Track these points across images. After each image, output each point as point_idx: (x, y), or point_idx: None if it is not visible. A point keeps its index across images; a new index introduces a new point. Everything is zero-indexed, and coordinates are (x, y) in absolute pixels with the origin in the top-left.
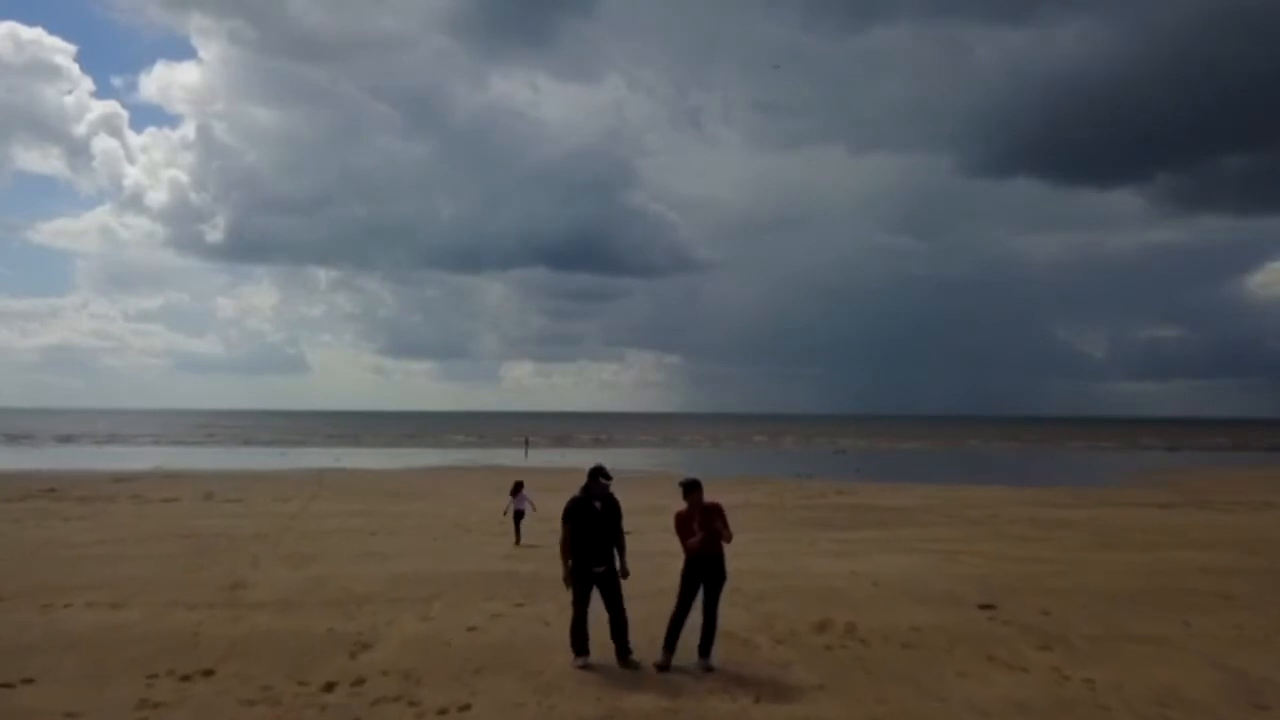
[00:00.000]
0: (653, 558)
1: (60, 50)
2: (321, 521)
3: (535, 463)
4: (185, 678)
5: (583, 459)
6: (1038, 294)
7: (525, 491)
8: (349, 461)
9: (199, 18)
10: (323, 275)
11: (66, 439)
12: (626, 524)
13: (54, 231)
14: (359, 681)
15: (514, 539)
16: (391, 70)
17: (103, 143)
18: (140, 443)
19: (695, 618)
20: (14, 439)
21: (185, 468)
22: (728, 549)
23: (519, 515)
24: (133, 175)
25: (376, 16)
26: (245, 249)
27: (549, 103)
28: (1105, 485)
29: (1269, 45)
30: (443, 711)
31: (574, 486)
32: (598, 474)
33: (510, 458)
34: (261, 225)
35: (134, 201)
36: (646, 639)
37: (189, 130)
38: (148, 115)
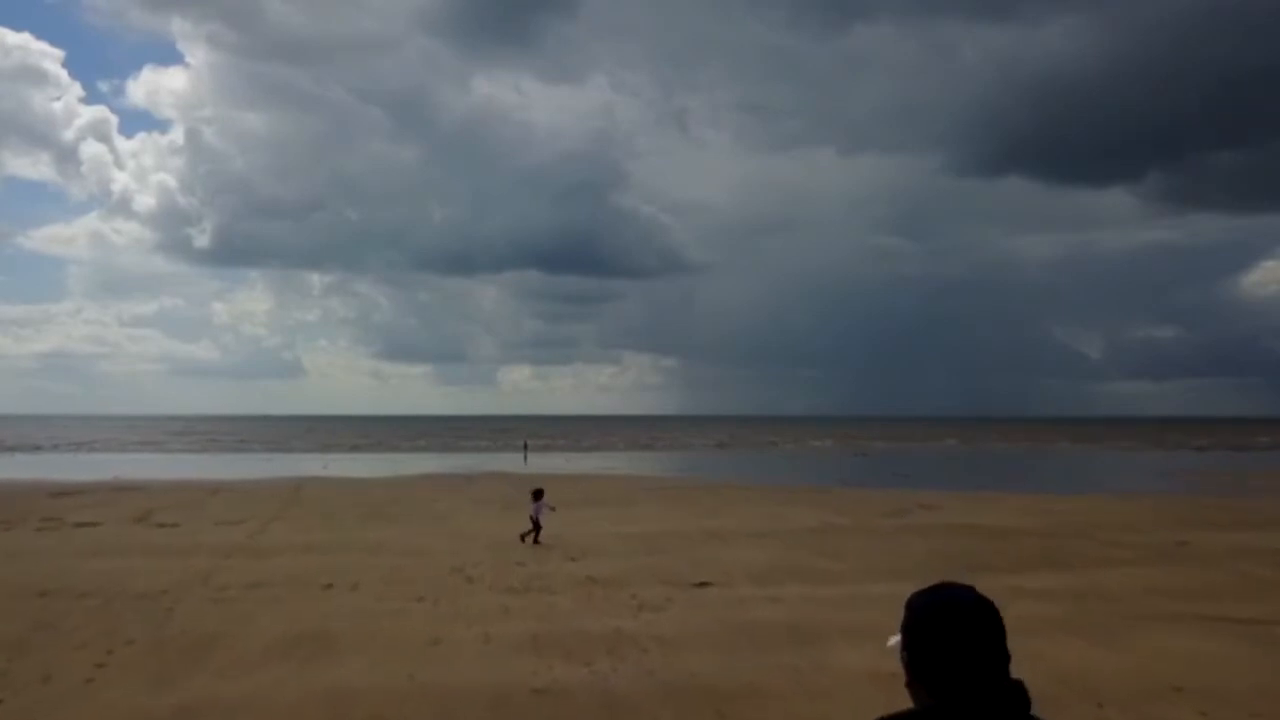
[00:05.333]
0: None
1: (48, 55)
2: (262, 563)
3: (536, 468)
4: None
5: (586, 465)
6: (1033, 294)
7: (545, 500)
8: (337, 468)
9: (179, 21)
10: (316, 280)
11: (37, 447)
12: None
13: (46, 237)
14: None
15: (532, 538)
16: (378, 73)
17: (92, 148)
18: (120, 449)
19: None
20: None
21: (148, 478)
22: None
23: (535, 520)
24: (123, 181)
25: (358, 18)
26: (237, 254)
27: (535, 105)
28: (1218, 495)
29: (1260, 41)
30: None
31: (583, 499)
32: None
33: (509, 463)
34: (253, 230)
35: (124, 207)
36: None
37: (178, 135)
38: (137, 120)
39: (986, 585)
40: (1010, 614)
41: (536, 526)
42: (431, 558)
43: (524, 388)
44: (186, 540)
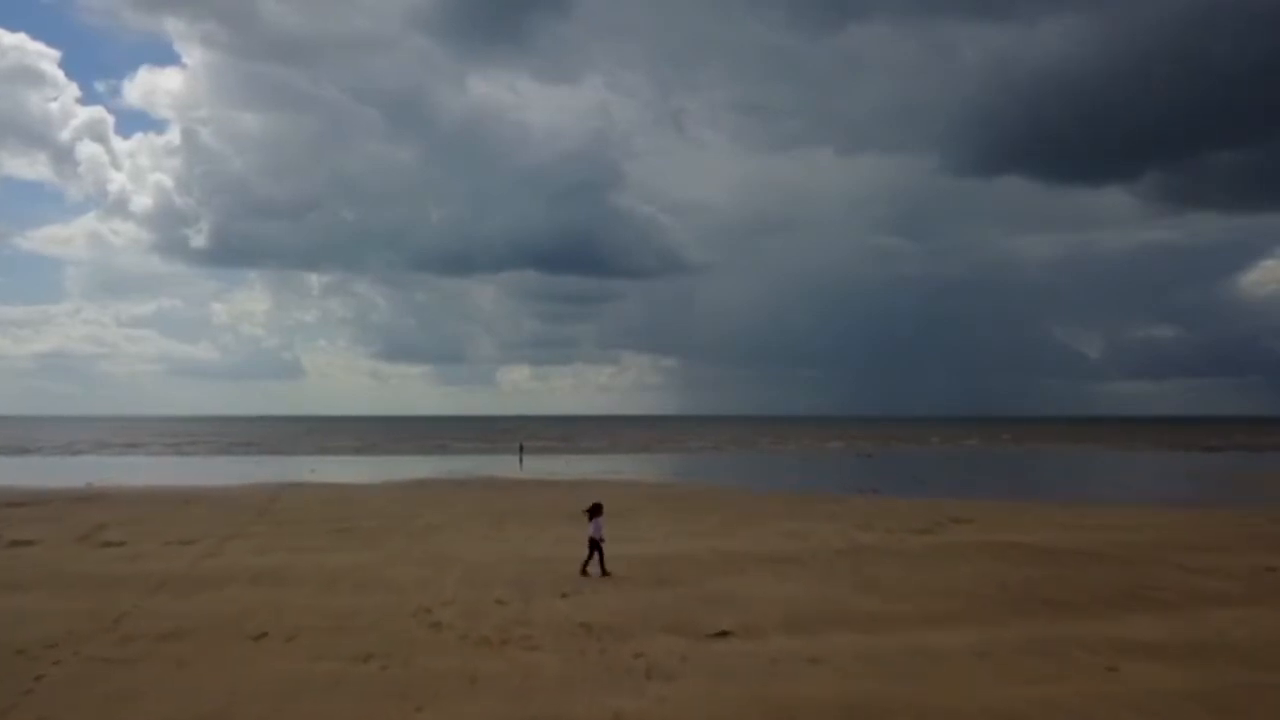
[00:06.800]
0: None
1: (45, 55)
2: (194, 599)
3: (533, 472)
4: None
5: (585, 468)
6: (1033, 294)
7: (602, 518)
8: (325, 472)
9: (172, 21)
10: (315, 280)
11: (24, 450)
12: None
13: (44, 238)
14: None
15: (599, 569)
16: (374, 73)
17: (89, 148)
18: (109, 452)
19: None
20: None
21: (123, 484)
22: None
23: (595, 541)
24: (120, 181)
25: (353, 17)
26: (234, 254)
27: (531, 105)
28: (1269, 504)
29: (1259, 39)
30: None
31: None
32: None
33: (505, 466)
34: (250, 230)
35: (121, 207)
36: None
37: (174, 135)
38: (133, 121)
39: (1080, 634)
40: (1127, 685)
41: (596, 550)
42: (396, 592)
43: (523, 388)
44: (122, 566)
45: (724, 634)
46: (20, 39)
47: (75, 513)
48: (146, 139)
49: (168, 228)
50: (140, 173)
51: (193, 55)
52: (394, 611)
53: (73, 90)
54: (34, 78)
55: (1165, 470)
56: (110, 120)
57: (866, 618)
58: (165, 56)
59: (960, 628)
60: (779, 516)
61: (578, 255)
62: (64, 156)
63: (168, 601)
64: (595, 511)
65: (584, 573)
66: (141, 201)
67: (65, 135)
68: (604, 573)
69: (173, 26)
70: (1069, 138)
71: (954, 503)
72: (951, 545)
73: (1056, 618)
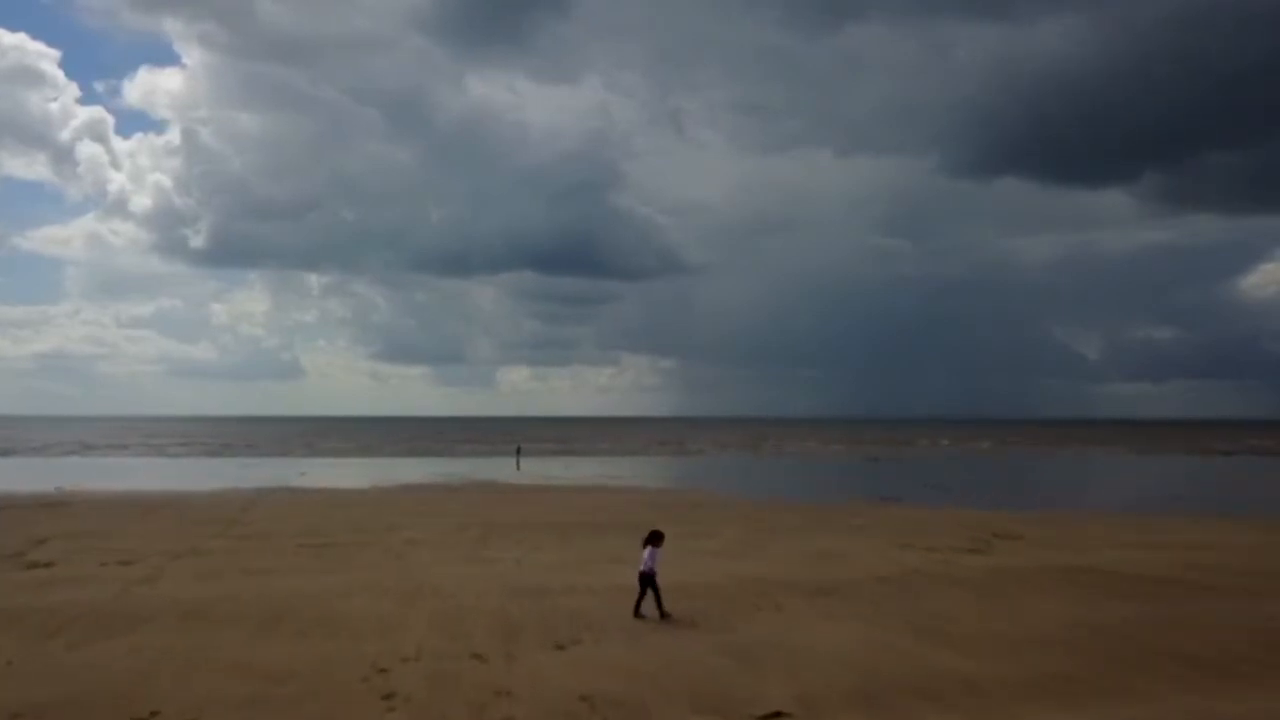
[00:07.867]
0: None
1: (45, 55)
2: (87, 652)
3: (531, 476)
4: None
5: (585, 471)
6: (1031, 295)
7: (660, 549)
8: (315, 475)
9: (170, 21)
10: (314, 280)
11: (7, 450)
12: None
13: (44, 238)
14: None
15: (656, 608)
16: (372, 73)
17: (89, 149)
18: (97, 454)
19: None
20: None
21: (94, 489)
22: None
23: (647, 577)
24: (120, 181)
25: (351, 17)
26: (234, 254)
27: (529, 105)
28: None
29: (1258, 40)
30: None
31: (582, 523)
32: None
33: (501, 469)
34: (250, 230)
35: (121, 207)
36: None
37: (174, 136)
38: (133, 121)
39: (1249, 716)
40: None
41: (650, 586)
42: (350, 638)
43: (522, 389)
44: (33, 596)
45: (776, 716)
46: (20, 39)
47: (24, 522)
48: (146, 139)
49: (167, 228)
50: (140, 173)
51: (192, 55)
52: (339, 670)
53: (72, 90)
54: (34, 78)
55: (1188, 476)
56: (110, 120)
57: (953, 683)
58: (164, 57)
59: (1087, 702)
60: (799, 531)
61: (577, 256)
62: (64, 157)
63: (56, 654)
64: (653, 540)
65: (637, 613)
66: (141, 202)
67: (65, 135)
68: (637, 614)
69: (171, 27)
70: (1068, 138)
71: (990, 514)
72: (1013, 570)
73: (1203, 685)
